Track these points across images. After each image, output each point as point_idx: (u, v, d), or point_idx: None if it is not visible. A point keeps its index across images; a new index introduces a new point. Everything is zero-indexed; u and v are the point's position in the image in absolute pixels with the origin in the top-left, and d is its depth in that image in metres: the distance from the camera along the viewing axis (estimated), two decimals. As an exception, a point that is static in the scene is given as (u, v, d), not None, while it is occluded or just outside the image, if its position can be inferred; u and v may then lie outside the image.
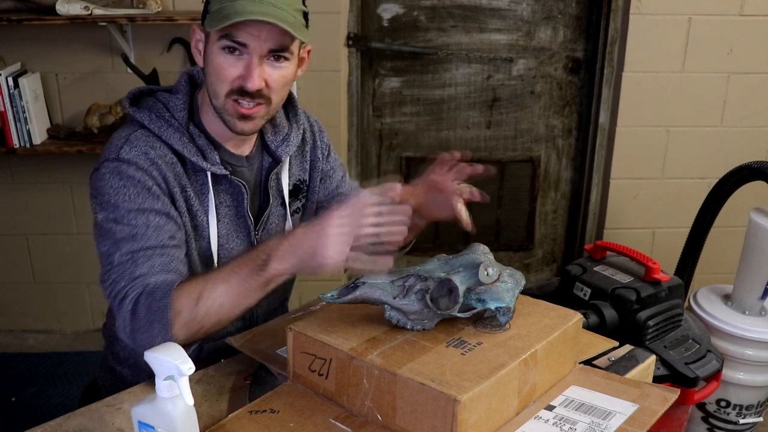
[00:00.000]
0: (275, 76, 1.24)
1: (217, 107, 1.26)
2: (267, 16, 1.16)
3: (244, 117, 1.25)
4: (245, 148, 1.37)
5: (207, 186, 1.30)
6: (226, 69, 1.22)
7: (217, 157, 1.30)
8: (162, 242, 1.20)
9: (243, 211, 1.35)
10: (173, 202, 1.26)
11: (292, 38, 1.21)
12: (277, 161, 1.40)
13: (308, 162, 1.48)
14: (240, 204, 1.34)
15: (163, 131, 1.26)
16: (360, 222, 1.05)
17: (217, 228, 1.32)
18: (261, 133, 1.39)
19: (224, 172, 1.29)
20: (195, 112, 1.33)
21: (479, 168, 1.29)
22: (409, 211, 1.04)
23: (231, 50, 1.21)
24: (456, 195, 1.32)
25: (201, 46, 1.28)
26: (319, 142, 1.50)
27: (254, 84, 1.21)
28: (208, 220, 1.31)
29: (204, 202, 1.30)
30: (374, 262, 1.04)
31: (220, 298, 1.12)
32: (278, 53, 1.22)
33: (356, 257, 1.06)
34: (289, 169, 1.43)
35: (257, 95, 1.23)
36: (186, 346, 1.15)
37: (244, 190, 1.33)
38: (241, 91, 1.22)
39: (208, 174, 1.29)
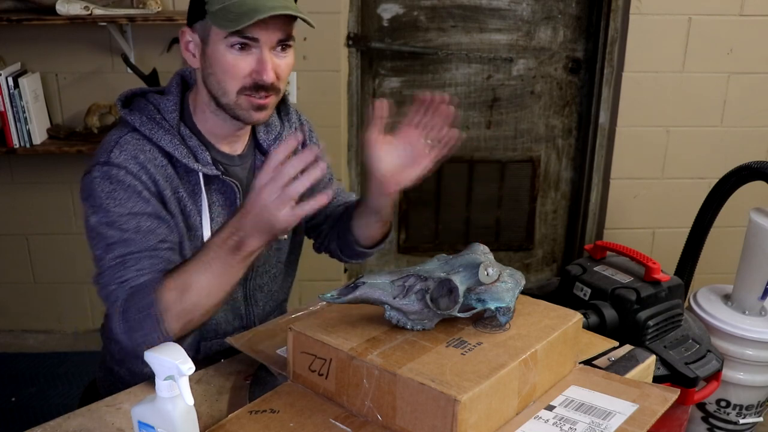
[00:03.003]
0: (282, 66, 1.25)
1: (226, 105, 1.26)
2: (285, 9, 1.18)
3: (260, 107, 1.26)
4: (238, 146, 1.37)
5: (199, 186, 1.30)
6: (237, 66, 1.22)
7: (208, 157, 1.30)
8: (151, 245, 1.22)
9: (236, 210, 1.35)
10: (165, 204, 1.26)
11: (293, 25, 1.23)
12: None
13: None
14: (233, 203, 1.35)
15: (154, 133, 1.26)
16: (282, 182, 1.07)
17: (211, 228, 1.33)
18: (253, 132, 1.40)
19: (215, 172, 1.30)
20: (186, 112, 1.33)
21: (442, 100, 1.24)
22: (315, 152, 1.07)
23: (242, 47, 1.21)
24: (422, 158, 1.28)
25: (193, 47, 1.27)
26: (308, 142, 1.51)
27: (269, 77, 1.22)
28: (201, 221, 1.31)
29: (197, 203, 1.31)
30: (317, 203, 1.08)
31: (206, 287, 1.14)
32: (285, 42, 1.24)
33: (301, 209, 1.08)
34: None
35: (270, 87, 1.24)
36: (182, 339, 1.16)
37: (237, 190, 1.34)
38: (255, 86, 1.23)
39: (200, 174, 1.29)
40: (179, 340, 1.16)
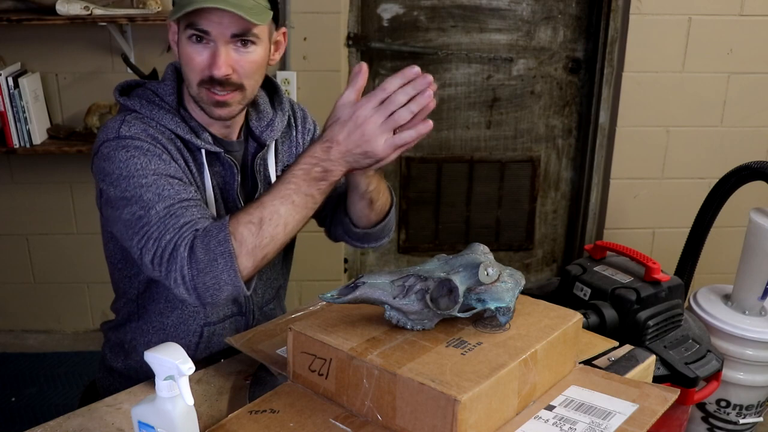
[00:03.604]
0: (243, 62, 1.24)
1: (193, 96, 1.28)
2: (222, 3, 1.17)
3: (219, 103, 1.26)
4: (232, 134, 1.38)
5: (203, 164, 1.31)
6: (194, 58, 1.24)
7: (209, 137, 1.32)
8: (192, 196, 1.20)
9: (234, 193, 1.35)
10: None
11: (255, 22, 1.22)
12: (262, 146, 1.41)
13: (296, 147, 1.49)
14: (231, 187, 1.35)
15: (155, 114, 1.28)
16: (392, 109, 1.08)
17: (216, 207, 1.33)
18: (246, 119, 1.41)
19: (218, 149, 1.31)
20: (182, 100, 1.35)
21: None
22: (429, 79, 1.07)
23: (198, 39, 1.22)
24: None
25: (175, 38, 1.30)
26: (300, 128, 1.50)
27: (220, 71, 1.22)
28: (205, 198, 1.32)
29: (201, 180, 1.32)
30: (417, 132, 1.08)
31: (284, 219, 1.12)
32: (242, 38, 1.23)
33: (400, 138, 1.09)
34: (276, 155, 1.44)
35: (227, 83, 1.24)
36: (249, 282, 1.15)
37: (236, 170, 1.34)
38: (210, 80, 1.24)
39: (203, 152, 1.31)
40: (247, 283, 1.14)
